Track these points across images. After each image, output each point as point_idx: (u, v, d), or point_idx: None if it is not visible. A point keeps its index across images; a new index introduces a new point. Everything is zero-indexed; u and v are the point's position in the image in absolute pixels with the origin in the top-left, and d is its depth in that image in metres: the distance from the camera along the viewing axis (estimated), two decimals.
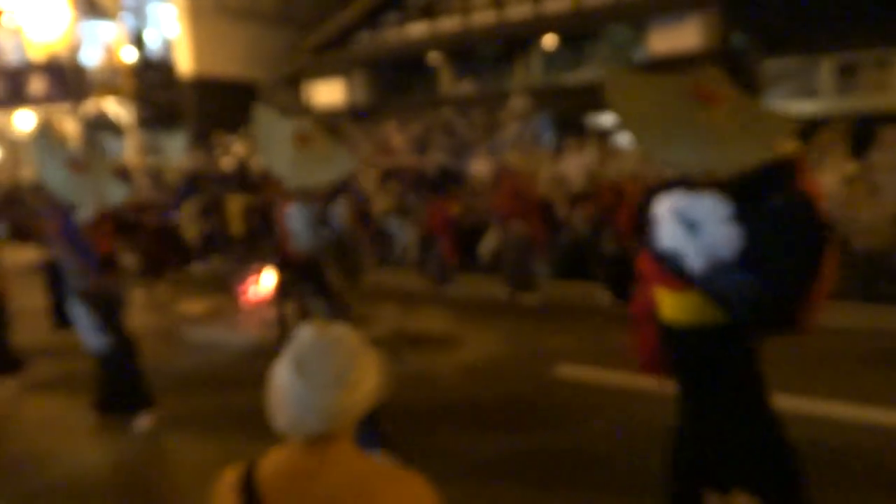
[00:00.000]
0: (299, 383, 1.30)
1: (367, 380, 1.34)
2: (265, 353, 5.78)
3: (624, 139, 14.16)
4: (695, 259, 2.37)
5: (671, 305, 2.59)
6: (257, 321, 6.56)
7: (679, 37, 12.99)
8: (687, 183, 2.43)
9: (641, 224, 2.64)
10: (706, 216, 2.32)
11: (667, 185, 2.55)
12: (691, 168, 2.40)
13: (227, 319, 6.58)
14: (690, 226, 2.35)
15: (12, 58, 17.45)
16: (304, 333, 1.37)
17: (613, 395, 4.60)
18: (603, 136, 11.49)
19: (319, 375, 1.30)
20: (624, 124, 2.64)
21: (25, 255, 8.15)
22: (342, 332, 1.38)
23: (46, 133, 4.39)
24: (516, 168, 7.54)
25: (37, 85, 15.60)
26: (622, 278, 3.43)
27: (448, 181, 9.49)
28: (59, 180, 3.98)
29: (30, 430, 4.56)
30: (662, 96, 2.44)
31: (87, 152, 4.39)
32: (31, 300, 5.95)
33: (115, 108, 17.35)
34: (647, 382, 4.67)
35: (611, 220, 6.93)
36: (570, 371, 5.12)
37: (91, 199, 3.96)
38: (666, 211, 2.45)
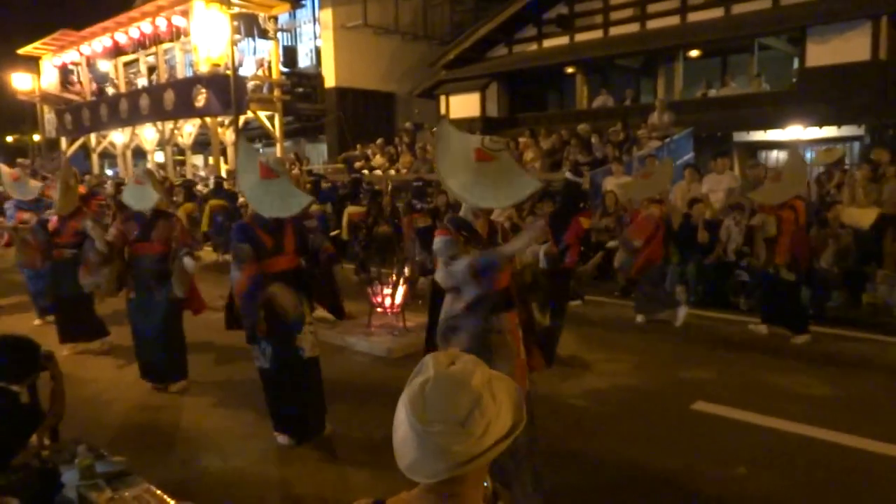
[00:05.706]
0: (417, 425, 1.14)
1: (495, 423, 1.16)
2: (394, 363, 5.91)
3: (773, 157, 13.19)
4: None
5: None
6: (388, 329, 6.72)
7: (842, 48, 11.89)
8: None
9: None
10: None
11: None
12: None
13: (359, 325, 6.78)
14: None
15: (183, 74, 19.32)
16: (427, 367, 1.20)
17: (754, 436, 4.27)
18: (749, 153, 10.75)
19: (439, 419, 1.14)
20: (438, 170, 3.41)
21: None
22: (468, 368, 1.19)
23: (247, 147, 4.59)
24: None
25: (201, 97, 17.11)
26: None
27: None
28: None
29: (195, 421, 4.95)
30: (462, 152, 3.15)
31: (276, 161, 4.56)
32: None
33: (266, 120, 18.67)
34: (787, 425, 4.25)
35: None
36: (709, 408, 4.81)
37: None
38: None
